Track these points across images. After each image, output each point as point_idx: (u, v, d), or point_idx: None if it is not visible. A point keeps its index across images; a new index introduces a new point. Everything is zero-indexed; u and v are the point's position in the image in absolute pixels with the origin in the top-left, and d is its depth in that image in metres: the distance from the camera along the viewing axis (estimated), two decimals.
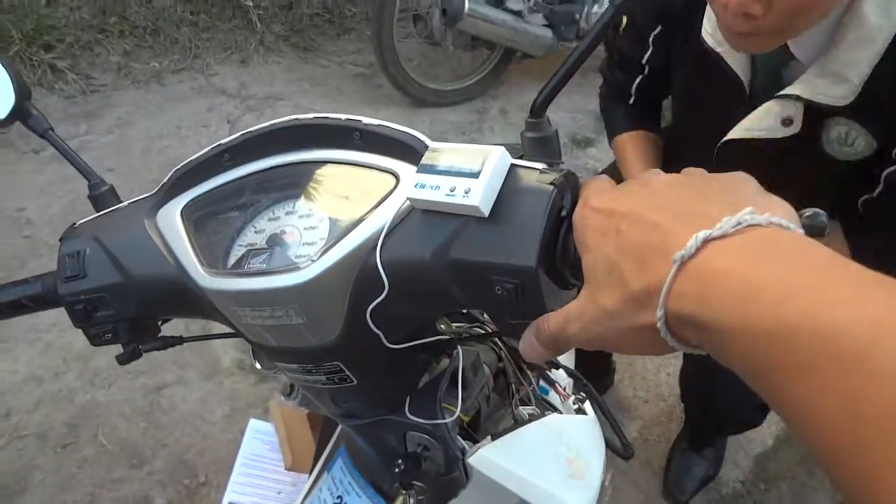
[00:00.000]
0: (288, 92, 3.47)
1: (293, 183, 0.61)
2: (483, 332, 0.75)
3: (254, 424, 1.77)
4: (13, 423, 1.82)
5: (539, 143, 0.52)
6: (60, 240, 0.70)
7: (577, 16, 3.23)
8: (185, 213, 0.64)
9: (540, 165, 0.50)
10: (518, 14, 3.14)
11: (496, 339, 0.81)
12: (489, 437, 0.68)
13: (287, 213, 0.60)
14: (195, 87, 3.39)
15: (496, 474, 0.66)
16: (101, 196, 0.73)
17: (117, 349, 0.72)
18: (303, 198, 0.60)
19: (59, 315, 1.97)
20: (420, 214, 0.52)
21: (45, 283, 0.71)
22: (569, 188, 0.49)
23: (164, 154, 2.86)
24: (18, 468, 1.74)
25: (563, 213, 0.48)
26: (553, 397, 0.90)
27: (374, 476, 0.80)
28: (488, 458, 0.66)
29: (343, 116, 0.59)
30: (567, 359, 1.02)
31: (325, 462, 0.90)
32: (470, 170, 0.49)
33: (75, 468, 1.74)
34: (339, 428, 0.90)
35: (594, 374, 1.91)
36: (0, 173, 2.59)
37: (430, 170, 0.51)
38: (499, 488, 0.67)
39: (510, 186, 0.49)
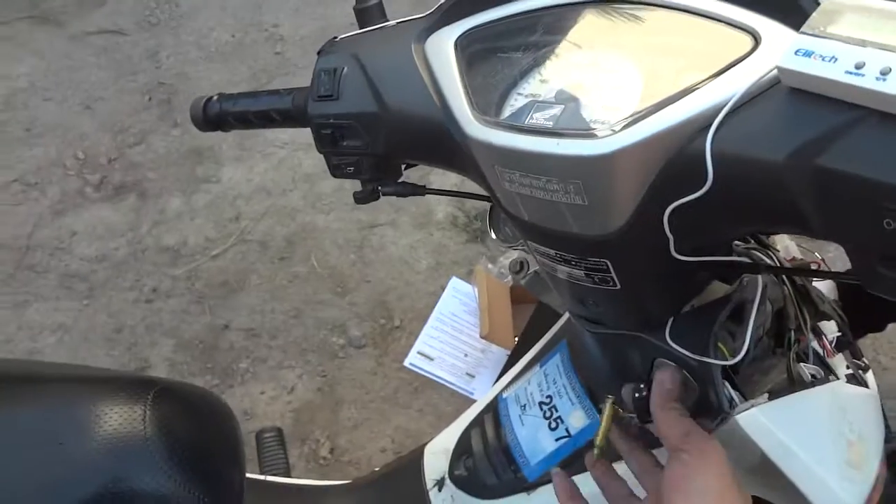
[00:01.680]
0: None
1: (603, 26, 0.48)
2: (799, 267, 0.60)
3: (455, 283, 1.75)
4: (241, 226, 1.95)
5: None
6: (318, 52, 0.63)
7: None
8: (461, 43, 0.54)
9: None
10: None
11: (780, 262, 0.65)
12: (766, 395, 0.54)
13: (588, 64, 0.48)
14: None
15: (763, 440, 0.53)
16: (368, 10, 0.64)
17: (341, 182, 0.67)
18: (613, 46, 0.47)
19: (295, 135, 2.01)
20: (786, 95, 0.37)
21: (295, 99, 0.65)
22: None
23: None
24: (240, 269, 1.87)
25: None
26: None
27: (595, 385, 0.71)
28: (762, 421, 0.53)
29: None
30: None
31: (539, 353, 0.82)
32: (894, 42, 0.33)
33: (286, 282, 1.84)
34: (563, 319, 0.81)
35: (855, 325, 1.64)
36: None
37: (822, 34, 0.35)
38: (751, 448, 0.55)
39: None
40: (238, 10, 2.46)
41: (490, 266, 1.84)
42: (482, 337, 1.55)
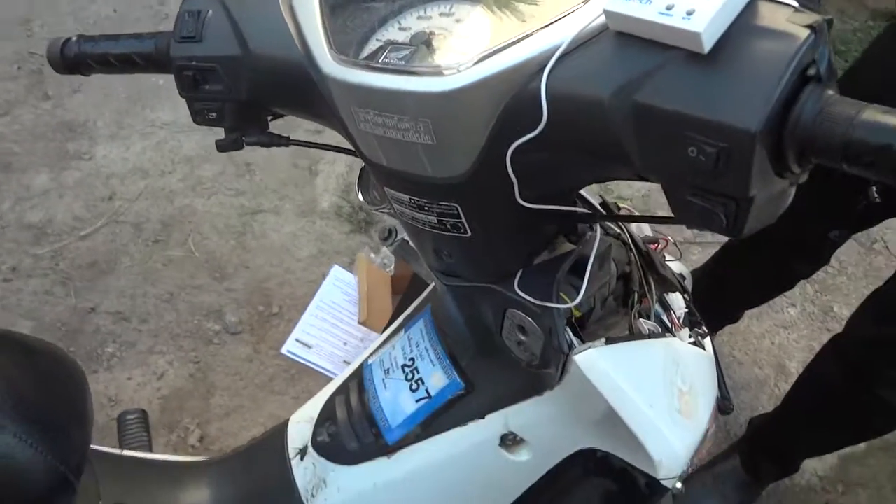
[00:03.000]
0: None
1: None
2: (627, 215, 0.64)
3: (336, 272, 1.74)
4: (115, 206, 1.86)
5: None
6: None
7: None
8: None
9: (792, 2, 0.37)
10: None
11: (632, 239, 0.70)
12: (603, 340, 0.58)
13: (441, 15, 0.50)
14: None
15: (599, 381, 0.56)
16: None
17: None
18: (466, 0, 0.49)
19: (177, 116, 1.97)
20: (612, 40, 0.40)
21: (158, 43, 0.64)
22: (824, 40, 0.36)
23: None
24: (110, 250, 1.79)
25: (812, 71, 0.35)
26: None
27: (454, 348, 0.73)
28: (597, 360, 0.56)
29: None
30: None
31: (404, 321, 0.83)
32: None
33: (160, 265, 1.77)
34: (428, 289, 0.82)
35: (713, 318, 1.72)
36: None
37: None
38: (592, 396, 0.58)
39: (745, 22, 0.36)
40: None
41: (373, 256, 1.85)
42: (360, 323, 1.55)
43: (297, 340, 1.66)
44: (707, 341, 0.77)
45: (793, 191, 0.42)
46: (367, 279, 1.60)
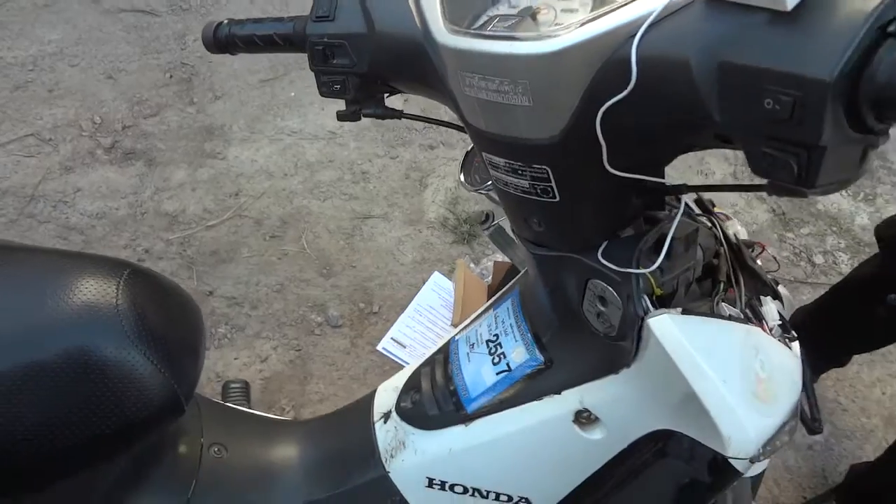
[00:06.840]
0: None
1: None
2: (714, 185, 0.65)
3: (437, 277, 1.81)
4: (240, 202, 2.01)
5: None
6: None
7: None
8: None
9: None
10: None
11: (723, 232, 0.71)
12: (679, 310, 0.60)
13: None
14: None
15: (673, 348, 0.58)
16: None
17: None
18: None
19: (304, 125, 2.11)
20: (702, 6, 0.44)
21: (296, 25, 0.73)
22: None
23: None
24: (232, 241, 1.93)
25: (892, 28, 0.37)
26: None
27: (538, 326, 0.76)
28: (671, 327, 0.58)
29: None
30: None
31: (493, 302, 0.87)
32: None
33: (275, 258, 1.90)
34: (518, 275, 0.86)
35: (818, 359, 1.66)
36: None
37: None
38: (666, 373, 0.60)
39: None
40: (266, 4, 2.56)
41: (472, 265, 1.90)
42: (453, 325, 1.60)
43: (393, 339, 1.73)
44: (795, 345, 0.76)
45: (872, 156, 0.44)
46: (464, 285, 1.65)
